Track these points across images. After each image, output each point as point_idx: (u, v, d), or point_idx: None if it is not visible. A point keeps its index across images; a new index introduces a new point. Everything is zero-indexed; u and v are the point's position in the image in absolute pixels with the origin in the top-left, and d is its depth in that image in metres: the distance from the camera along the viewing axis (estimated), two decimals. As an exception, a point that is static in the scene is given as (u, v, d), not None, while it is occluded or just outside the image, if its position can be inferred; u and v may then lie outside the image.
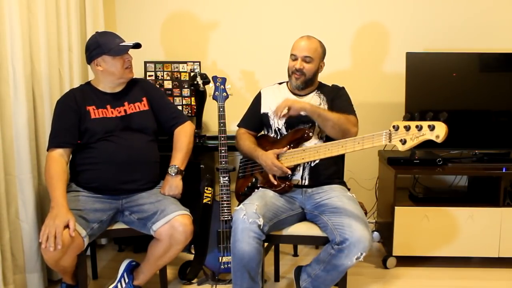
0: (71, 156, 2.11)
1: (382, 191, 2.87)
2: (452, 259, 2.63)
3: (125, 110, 2.14)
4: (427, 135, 1.62)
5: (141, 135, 2.14)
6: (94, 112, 2.09)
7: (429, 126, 1.61)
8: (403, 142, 1.68)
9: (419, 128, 1.64)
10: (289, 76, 2.21)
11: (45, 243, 1.79)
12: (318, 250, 2.72)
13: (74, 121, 2.05)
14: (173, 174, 2.13)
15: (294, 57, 2.17)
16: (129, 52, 2.10)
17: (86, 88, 2.15)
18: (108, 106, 2.12)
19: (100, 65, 2.07)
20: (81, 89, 2.16)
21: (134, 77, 2.21)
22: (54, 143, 2.03)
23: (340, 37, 3.00)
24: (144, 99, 2.20)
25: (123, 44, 2.08)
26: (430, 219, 2.56)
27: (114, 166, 2.05)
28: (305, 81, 2.17)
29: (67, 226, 1.82)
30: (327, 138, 2.11)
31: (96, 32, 2.16)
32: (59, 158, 2.01)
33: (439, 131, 1.60)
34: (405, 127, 1.67)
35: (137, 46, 2.10)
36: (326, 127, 2.07)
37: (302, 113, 2.06)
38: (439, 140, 1.60)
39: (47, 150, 2.04)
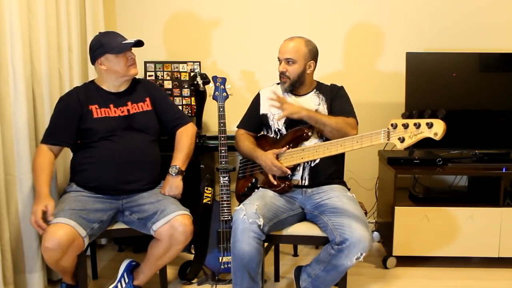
0: (72, 155, 2.13)
1: (382, 191, 2.87)
2: (452, 259, 2.63)
3: (128, 110, 2.15)
4: (425, 132, 1.62)
5: (143, 135, 2.15)
6: (97, 111, 2.09)
7: (427, 123, 1.61)
8: (402, 140, 1.68)
9: (417, 125, 1.63)
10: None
11: (37, 229, 1.89)
12: (318, 250, 2.71)
13: (72, 121, 2.06)
14: (174, 174, 2.13)
15: (279, 61, 2.19)
16: (132, 50, 2.12)
17: (90, 87, 2.17)
18: (111, 105, 2.12)
19: (103, 64, 2.08)
20: (84, 87, 2.17)
21: (138, 78, 2.23)
22: (48, 141, 2.05)
23: (340, 37, 3.00)
24: (147, 99, 2.21)
25: (125, 41, 2.09)
26: (430, 219, 2.56)
27: (115, 166, 2.06)
28: (291, 83, 2.17)
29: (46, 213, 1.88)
30: (327, 138, 2.10)
31: (99, 33, 2.18)
32: (47, 152, 2.04)
33: (437, 128, 1.60)
34: (403, 125, 1.67)
35: (139, 43, 2.11)
36: (325, 132, 2.08)
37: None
38: (437, 138, 1.60)
39: (41, 143, 2.06)
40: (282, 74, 2.17)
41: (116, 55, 2.06)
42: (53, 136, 2.06)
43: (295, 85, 2.18)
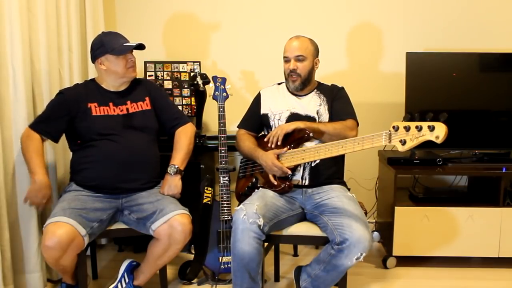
0: (71, 154, 2.14)
1: (382, 191, 2.87)
2: (452, 259, 2.63)
3: (127, 109, 2.15)
4: (427, 135, 1.63)
5: (142, 134, 2.15)
6: (96, 110, 2.10)
7: (429, 126, 1.62)
8: (403, 142, 1.68)
9: (419, 128, 1.64)
10: (286, 79, 2.22)
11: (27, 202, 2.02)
12: (318, 250, 2.72)
13: (64, 117, 2.08)
14: (172, 174, 2.13)
15: (286, 59, 2.18)
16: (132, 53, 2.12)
17: (91, 85, 2.18)
18: (111, 104, 2.13)
19: (103, 64, 2.09)
20: (85, 85, 2.19)
21: (138, 78, 2.23)
22: (37, 128, 2.06)
23: (340, 37, 3.00)
24: (147, 98, 2.21)
25: (127, 44, 2.09)
26: (430, 219, 2.56)
27: (114, 165, 2.06)
28: (302, 81, 2.17)
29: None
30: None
31: (102, 32, 2.19)
32: (40, 141, 2.06)
33: (439, 131, 1.60)
34: (405, 127, 1.67)
35: (140, 46, 2.11)
36: (323, 139, 2.09)
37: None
38: (438, 141, 1.61)
39: (29, 126, 2.07)
40: (292, 72, 2.16)
41: (117, 57, 2.07)
42: (43, 125, 2.07)
43: (305, 83, 2.18)
